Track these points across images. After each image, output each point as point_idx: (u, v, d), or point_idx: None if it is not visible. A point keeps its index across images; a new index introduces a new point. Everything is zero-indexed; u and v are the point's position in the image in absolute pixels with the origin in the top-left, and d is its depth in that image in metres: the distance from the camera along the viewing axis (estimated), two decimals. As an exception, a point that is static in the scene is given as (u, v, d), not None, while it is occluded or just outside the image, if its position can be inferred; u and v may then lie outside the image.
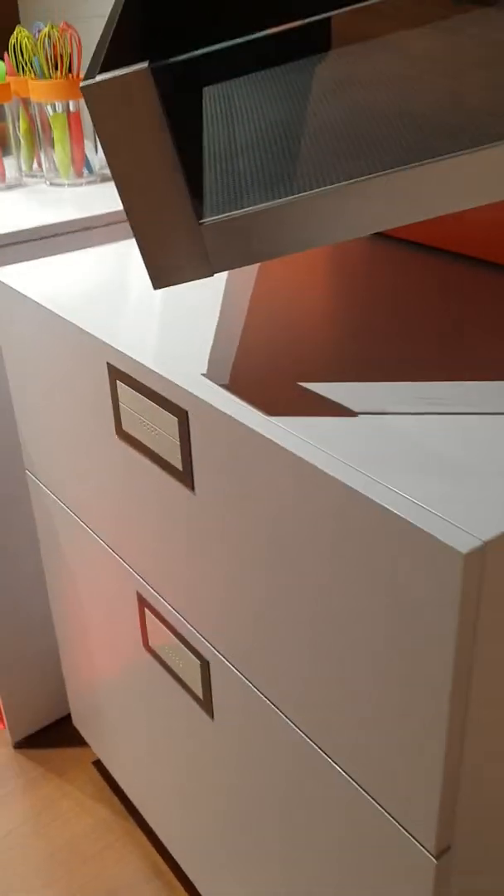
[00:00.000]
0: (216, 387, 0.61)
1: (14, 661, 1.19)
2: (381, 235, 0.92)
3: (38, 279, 0.84)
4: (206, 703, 0.77)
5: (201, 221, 0.57)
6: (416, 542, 0.45)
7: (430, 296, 0.75)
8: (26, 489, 1.09)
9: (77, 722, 1.18)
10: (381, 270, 0.82)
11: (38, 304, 0.79)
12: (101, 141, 0.54)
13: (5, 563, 1.11)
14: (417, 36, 0.78)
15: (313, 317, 0.72)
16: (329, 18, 0.84)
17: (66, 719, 1.29)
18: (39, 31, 1.13)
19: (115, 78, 0.51)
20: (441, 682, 0.47)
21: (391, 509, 0.45)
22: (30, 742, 1.26)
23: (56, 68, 1.10)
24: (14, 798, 1.17)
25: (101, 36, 0.66)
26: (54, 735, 1.27)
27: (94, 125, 0.53)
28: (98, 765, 1.22)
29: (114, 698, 1.00)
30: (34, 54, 1.12)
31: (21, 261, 0.98)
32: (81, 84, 0.52)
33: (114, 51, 0.62)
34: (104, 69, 0.56)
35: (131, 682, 0.93)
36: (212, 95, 0.81)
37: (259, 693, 0.67)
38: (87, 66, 1.13)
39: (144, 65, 0.51)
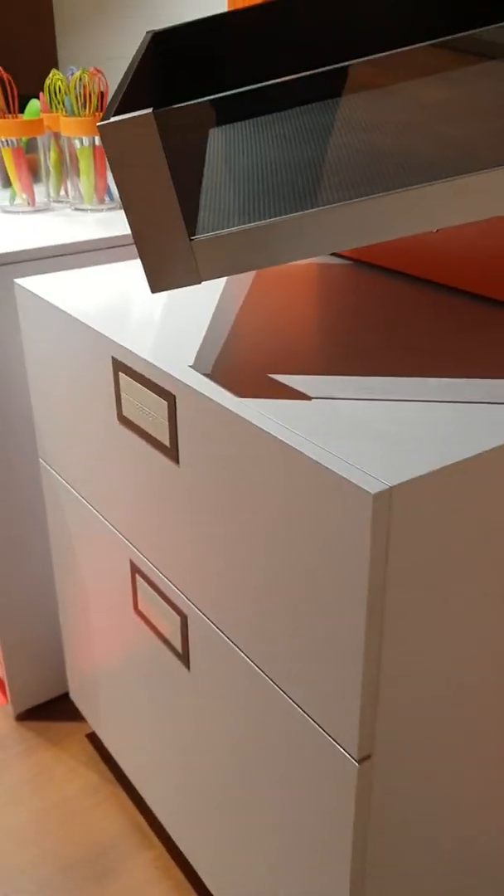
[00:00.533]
0: (199, 375, 0.74)
1: (19, 640, 1.30)
2: (358, 261, 1.05)
3: (58, 288, 0.97)
4: (184, 656, 0.88)
5: (192, 238, 0.70)
6: (341, 487, 0.56)
7: (390, 311, 0.88)
8: (38, 476, 1.21)
9: (74, 696, 1.29)
10: (353, 290, 0.95)
11: (57, 308, 0.92)
12: (112, 170, 0.67)
13: (16, 547, 1.24)
14: (424, 85, 0.90)
15: (290, 324, 0.85)
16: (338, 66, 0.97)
17: (65, 696, 1.40)
18: (72, 74, 1.28)
19: (124, 120, 0.64)
20: (358, 603, 0.58)
21: (322, 462, 0.57)
22: (30, 715, 1.37)
23: (85, 107, 1.25)
24: (13, 762, 1.28)
25: (121, 80, 0.80)
26: (53, 710, 1.38)
27: (107, 157, 0.66)
28: (91, 738, 1.33)
29: (107, 669, 1.11)
30: (66, 94, 1.27)
31: (45, 273, 1.12)
32: (98, 124, 0.65)
33: (131, 94, 0.76)
34: (120, 111, 0.69)
35: (122, 650, 1.04)
36: (218, 134, 0.95)
37: (225, 637, 0.79)
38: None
39: (149, 111, 0.64)
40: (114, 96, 0.75)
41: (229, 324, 0.86)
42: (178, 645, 0.88)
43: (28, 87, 2.04)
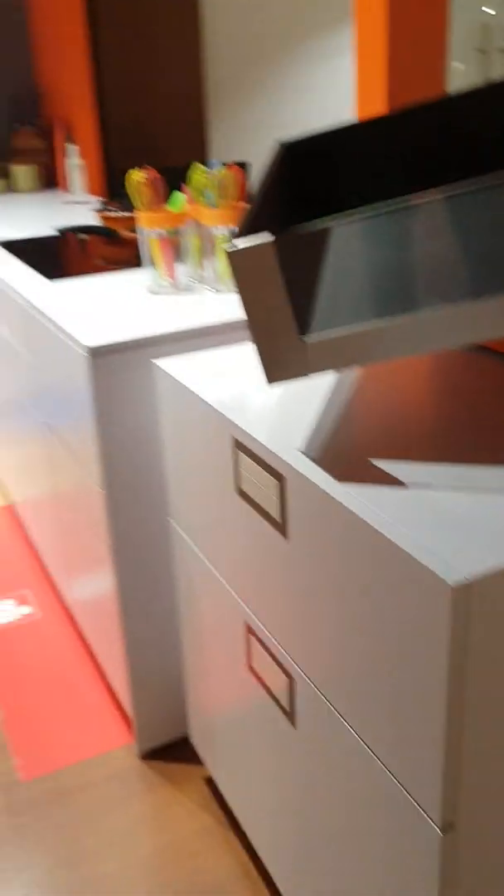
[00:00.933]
0: (307, 460, 0.82)
1: (147, 684, 1.41)
2: (478, 347, 1.11)
3: (190, 369, 1.09)
4: (291, 715, 0.95)
5: (303, 339, 0.79)
6: (423, 576, 0.63)
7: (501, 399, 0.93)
8: (168, 534, 1.32)
9: (194, 741, 1.37)
10: (468, 376, 1.00)
11: (187, 388, 1.03)
12: (234, 282, 0.77)
13: (148, 598, 1.35)
14: None
15: (399, 411, 0.92)
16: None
17: (186, 740, 1.49)
18: (215, 167, 1.41)
19: (246, 249, 0.74)
20: (440, 682, 0.64)
21: (407, 550, 0.64)
22: (153, 755, 1.47)
23: (224, 198, 1.38)
24: (135, 799, 1.37)
25: (250, 202, 0.90)
26: (175, 751, 1.47)
27: (231, 273, 0.76)
28: (208, 781, 1.41)
29: (224, 718, 1.20)
30: (207, 187, 1.40)
31: (183, 352, 1.24)
32: (226, 248, 0.75)
33: (258, 212, 0.86)
34: (247, 231, 0.79)
35: (237, 701, 1.12)
36: (337, 235, 1.03)
37: (326, 700, 0.85)
38: (247, 202, 1.40)
39: (270, 238, 0.74)
40: (243, 216, 0.85)
41: (341, 409, 0.94)
42: (285, 704, 0.96)
43: (179, 159, 2.23)
